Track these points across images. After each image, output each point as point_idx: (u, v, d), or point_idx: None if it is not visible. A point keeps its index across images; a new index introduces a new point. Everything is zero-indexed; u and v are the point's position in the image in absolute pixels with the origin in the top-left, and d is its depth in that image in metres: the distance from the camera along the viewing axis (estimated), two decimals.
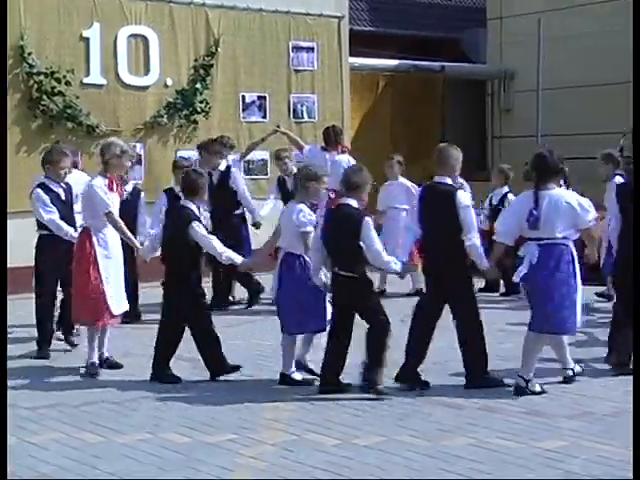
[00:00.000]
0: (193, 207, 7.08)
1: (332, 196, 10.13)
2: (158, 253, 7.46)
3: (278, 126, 11.43)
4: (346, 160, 10.24)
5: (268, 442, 5.53)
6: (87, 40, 11.67)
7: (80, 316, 7.45)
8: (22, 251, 8.57)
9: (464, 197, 6.71)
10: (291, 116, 13.28)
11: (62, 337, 8.27)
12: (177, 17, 12.38)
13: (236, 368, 7.10)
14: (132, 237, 7.70)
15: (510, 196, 10.63)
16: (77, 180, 8.23)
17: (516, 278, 6.60)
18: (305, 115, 13.43)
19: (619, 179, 10.01)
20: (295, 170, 10.38)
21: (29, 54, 11.20)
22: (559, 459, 5.17)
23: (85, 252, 7.28)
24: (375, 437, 5.60)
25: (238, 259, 7.20)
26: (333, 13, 13.71)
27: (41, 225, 7.92)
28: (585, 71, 17.06)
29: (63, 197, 7.92)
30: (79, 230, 7.53)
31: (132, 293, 8.57)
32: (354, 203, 6.57)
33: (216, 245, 7.07)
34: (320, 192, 7.00)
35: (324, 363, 6.63)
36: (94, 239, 7.29)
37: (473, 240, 6.65)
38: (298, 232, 6.77)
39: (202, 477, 4.98)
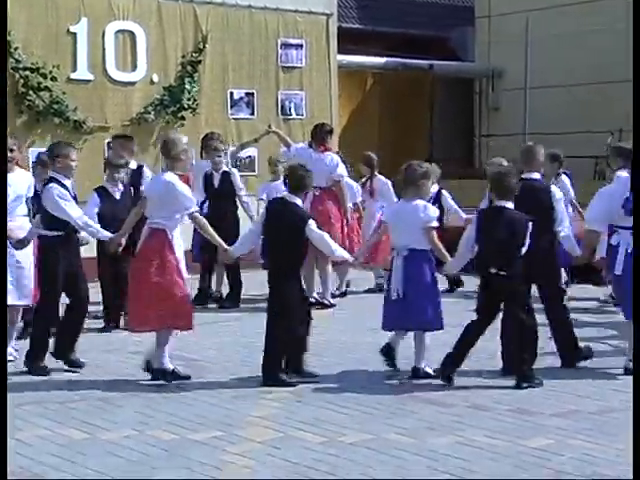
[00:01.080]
0: (300, 202, 6.94)
1: (317, 193, 10.14)
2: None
3: (269, 126, 11.40)
4: (329, 158, 10.22)
5: (255, 439, 5.51)
6: (74, 35, 11.63)
7: (168, 322, 6.84)
8: None
9: (558, 191, 7.19)
10: (279, 113, 13.26)
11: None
12: (165, 13, 12.34)
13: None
14: (218, 238, 7.17)
15: None
16: (20, 179, 7.49)
17: (618, 271, 6.82)
18: (293, 112, 13.42)
19: (564, 177, 10.18)
20: (226, 168, 10.12)
21: (15, 49, 11.14)
22: (546, 457, 5.17)
23: (165, 256, 6.77)
24: (362, 435, 5.58)
25: (347, 256, 7.21)
26: (322, 10, 13.70)
27: (52, 225, 7.15)
28: (572, 70, 17.12)
29: (72, 193, 7.28)
30: (148, 231, 6.85)
31: None
32: (510, 205, 6.71)
33: (329, 242, 6.98)
34: (430, 189, 7.29)
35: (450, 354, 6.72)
36: (172, 242, 6.83)
37: (567, 230, 7.07)
38: (424, 228, 6.82)
39: (191, 475, 4.96)
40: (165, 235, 6.79)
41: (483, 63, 19.06)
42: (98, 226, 7.45)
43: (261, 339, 7.81)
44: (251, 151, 12.02)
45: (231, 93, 12.91)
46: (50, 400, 6.41)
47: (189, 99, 12.45)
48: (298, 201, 6.90)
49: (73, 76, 11.65)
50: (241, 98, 13.00)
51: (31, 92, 11.27)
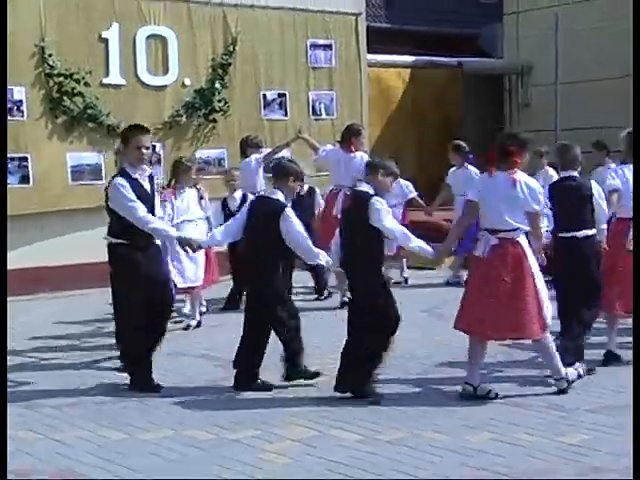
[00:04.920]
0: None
1: (347, 193, 10.16)
2: None
3: (299, 131, 11.48)
4: (359, 158, 10.25)
5: (292, 438, 5.55)
6: (106, 41, 11.71)
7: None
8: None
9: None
10: (310, 113, 13.30)
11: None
12: (195, 17, 12.40)
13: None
14: None
15: None
16: None
17: None
18: (323, 112, 13.44)
19: (472, 168, 11.09)
20: None
21: (50, 55, 11.25)
22: (583, 453, 5.18)
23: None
24: (398, 432, 5.61)
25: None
26: (350, 10, 13.69)
27: None
28: (602, 64, 17.00)
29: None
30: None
31: None
32: None
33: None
34: None
35: None
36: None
37: None
38: None
39: (228, 474, 5.01)
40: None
41: (512, 59, 18.98)
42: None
43: None
44: (284, 152, 12.05)
45: (264, 95, 12.96)
46: (88, 401, 6.50)
47: (220, 101, 12.51)
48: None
49: (106, 81, 11.74)
50: (274, 99, 13.05)
51: (65, 97, 11.38)
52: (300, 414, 6.05)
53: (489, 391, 6.32)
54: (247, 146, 10.79)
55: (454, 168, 11.71)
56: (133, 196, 6.60)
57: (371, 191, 6.48)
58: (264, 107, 12.94)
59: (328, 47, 13.47)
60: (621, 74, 16.75)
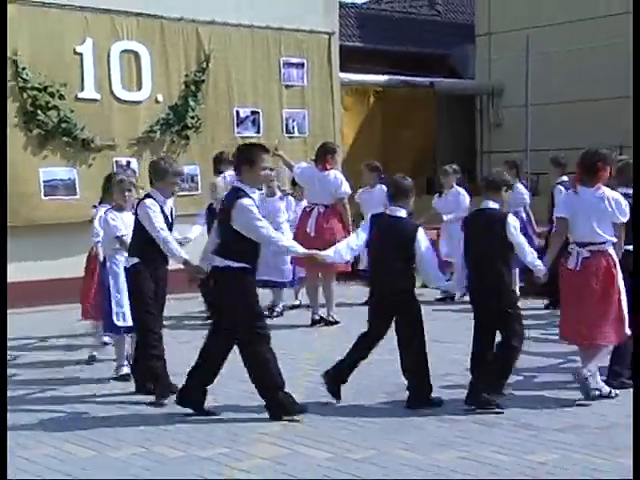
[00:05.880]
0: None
1: (321, 211, 10.22)
2: None
3: (276, 149, 11.52)
4: (332, 176, 10.30)
5: (261, 456, 5.54)
6: (80, 55, 11.71)
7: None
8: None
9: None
10: (283, 131, 13.35)
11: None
12: (168, 33, 12.41)
13: None
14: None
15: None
16: None
17: None
18: (296, 130, 13.50)
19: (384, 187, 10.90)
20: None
21: (23, 69, 11.23)
22: (551, 472, 5.20)
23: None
24: (368, 451, 5.61)
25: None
26: (323, 29, 13.78)
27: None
28: (573, 86, 17.23)
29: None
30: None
31: None
32: None
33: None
34: None
35: None
36: None
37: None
38: None
39: None
40: None
41: (483, 80, 19.18)
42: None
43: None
44: None
45: (237, 112, 12.99)
46: (60, 418, 6.46)
47: (193, 118, 12.53)
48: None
49: (80, 95, 11.71)
50: (247, 117, 13.08)
51: (39, 111, 11.35)
52: (269, 432, 6.04)
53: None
54: (220, 163, 10.79)
55: (366, 187, 11.61)
56: (260, 216, 6.30)
57: (497, 206, 6.62)
58: (237, 124, 12.97)
59: (301, 65, 13.54)
60: (590, 97, 16.99)
